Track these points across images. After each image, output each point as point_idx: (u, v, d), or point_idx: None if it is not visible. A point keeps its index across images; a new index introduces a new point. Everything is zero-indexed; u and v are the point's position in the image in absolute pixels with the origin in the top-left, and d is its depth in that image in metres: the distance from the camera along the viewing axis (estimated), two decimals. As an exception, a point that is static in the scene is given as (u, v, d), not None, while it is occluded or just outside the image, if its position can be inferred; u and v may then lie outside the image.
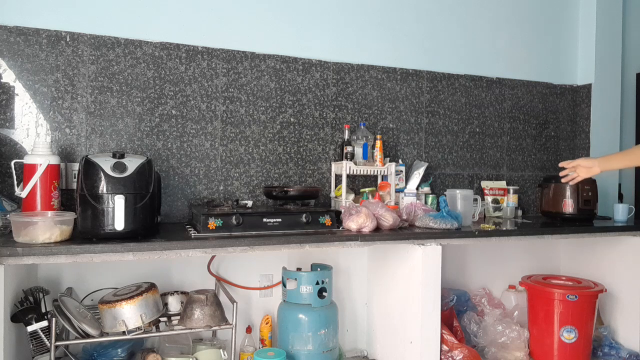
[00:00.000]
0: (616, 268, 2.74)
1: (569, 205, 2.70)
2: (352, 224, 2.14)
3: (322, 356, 2.25)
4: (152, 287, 1.97)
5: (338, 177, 2.62)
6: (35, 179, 1.90)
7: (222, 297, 2.16)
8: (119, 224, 1.75)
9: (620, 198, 3.32)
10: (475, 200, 2.66)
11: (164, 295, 2.09)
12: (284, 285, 2.31)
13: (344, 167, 2.48)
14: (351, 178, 2.67)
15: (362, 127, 2.63)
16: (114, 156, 1.82)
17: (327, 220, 2.15)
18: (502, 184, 3.02)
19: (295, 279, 2.27)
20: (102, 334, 1.85)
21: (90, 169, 1.77)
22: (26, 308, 1.80)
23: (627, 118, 3.41)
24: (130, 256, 1.74)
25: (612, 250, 2.77)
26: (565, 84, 3.27)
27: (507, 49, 3.11)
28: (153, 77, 2.35)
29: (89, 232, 1.76)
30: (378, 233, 2.14)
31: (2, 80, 2.13)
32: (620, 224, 2.72)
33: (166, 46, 2.37)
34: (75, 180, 2.17)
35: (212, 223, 1.95)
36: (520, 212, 3.00)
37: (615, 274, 2.74)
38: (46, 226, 1.69)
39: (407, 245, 2.20)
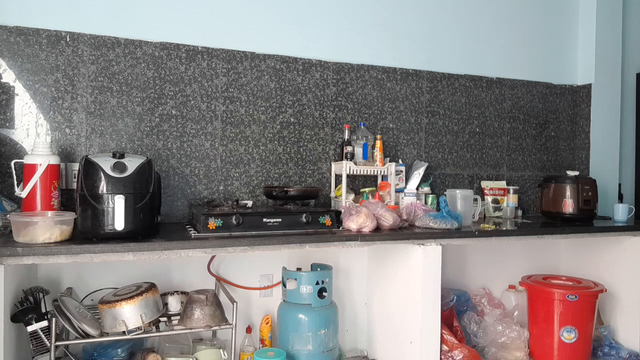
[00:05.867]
0: (616, 268, 2.74)
1: (569, 205, 2.71)
2: (352, 224, 2.14)
3: (322, 356, 2.25)
4: (152, 287, 1.97)
5: (338, 177, 2.62)
6: (35, 179, 1.90)
7: (222, 297, 2.16)
8: (119, 224, 1.74)
9: (620, 198, 3.32)
10: (475, 200, 2.66)
11: (164, 295, 2.09)
12: (284, 285, 2.31)
13: (344, 167, 2.48)
14: (351, 178, 2.67)
15: (362, 127, 2.63)
16: (114, 156, 1.82)
17: (327, 220, 2.15)
18: (502, 184, 3.02)
19: (295, 279, 2.27)
20: (102, 334, 1.85)
21: (90, 169, 1.77)
22: (26, 308, 1.80)
23: (627, 118, 3.41)
24: (130, 256, 1.74)
25: (612, 250, 2.77)
26: (565, 84, 3.27)
27: (507, 49, 3.11)
28: (153, 77, 2.35)
29: (89, 232, 1.76)
30: (378, 233, 2.14)
31: (2, 80, 2.14)
32: (620, 224, 2.72)
33: (166, 46, 2.37)
34: (75, 180, 2.17)
35: (212, 223, 1.95)
36: (520, 212, 3.00)
37: (615, 274, 2.74)
38: (46, 226, 1.69)
39: (407, 245, 2.20)
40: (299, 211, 2.13)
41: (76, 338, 1.83)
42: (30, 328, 1.76)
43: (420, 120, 2.88)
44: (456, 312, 2.61)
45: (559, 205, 2.74)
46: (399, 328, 2.32)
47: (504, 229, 2.45)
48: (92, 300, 2.15)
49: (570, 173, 2.78)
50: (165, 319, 2.04)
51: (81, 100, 2.25)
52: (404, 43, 2.85)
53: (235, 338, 2.02)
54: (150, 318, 1.88)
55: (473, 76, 3.01)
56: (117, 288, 2.06)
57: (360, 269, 2.68)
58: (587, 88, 3.23)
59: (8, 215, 1.83)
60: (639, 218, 3.02)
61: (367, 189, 2.58)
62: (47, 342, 1.78)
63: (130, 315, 1.84)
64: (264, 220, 2.04)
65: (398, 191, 2.64)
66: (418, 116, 2.87)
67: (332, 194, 2.61)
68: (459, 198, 2.50)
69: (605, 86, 3.23)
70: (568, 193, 2.71)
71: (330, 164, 2.66)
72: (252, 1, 2.53)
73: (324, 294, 2.28)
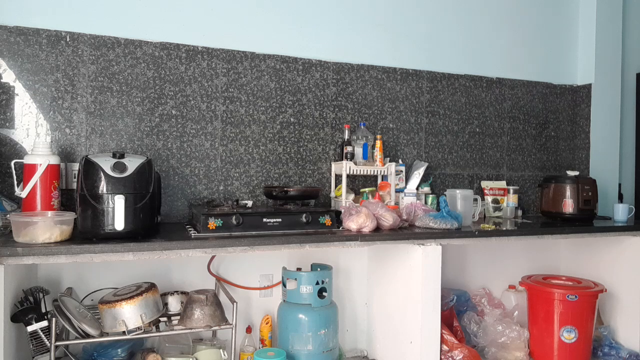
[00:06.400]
0: (616, 268, 2.74)
1: (569, 205, 2.71)
2: (352, 224, 2.14)
3: (322, 356, 2.25)
4: (152, 287, 1.97)
5: (338, 177, 2.62)
6: (35, 179, 1.90)
7: (222, 297, 2.16)
8: (119, 224, 1.74)
9: (620, 198, 3.32)
10: (475, 200, 2.66)
11: (164, 295, 2.09)
12: (284, 285, 2.31)
13: (344, 167, 2.48)
14: (351, 178, 2.67)
15: (362, 127, 2.63)
16: (114, 156, 1.82)
17: (327, 220, 2.15)
18: (502, 184, 3.02)
19: (295, 279, 2.27)
20: (102, 334, 1.85)
21: (90, 169, 1.77)
22: (26, 308, 1.80)
23: (627, 118, 3.41)
24: (130, 256, 1.74)
25: (612, 250, 2.77)
26: (565, 84, 3.27)
27: (507, 49, 3.11)
28: (153, 77, 2.35)
29: (89, 232, 1.76)
30: (378, 233, 2.14)
31: (2, 80, 2.14)
32: (620, 224, 2.72)
33: (166, 46, 2.37)
34: (75, 180, 2.17)
35: (212, 223, 1.95)
36: (520, 212, 3.00)
37: (615, 274, 2.74)
38: (46, 226, 1.69)
39: (407, 245, 2.20)
40: (299, 211, 2.13)
41: (76, 338, 1.83)
42: (30, 328, 1.76)
43: (420, 120, 2.88)
44: (456, 312, 2.61)
45: (559, 205, 2.74)
46: (399, 328, 2.32)
47: (504, 229, 2.45)
48: (92, 300, 2.15)
49: (570, 173, 2.78)
50: (165, 319, 2.04)
51: (81, 100, 2.25)
52: (404, 43, 2.85)
53: (235, 338, 2.02)
54: (150, 318, 1.88)
55: (473, 76, 3.01)
56: (117, 288, 2.06)
57: (360, 269, 2.68)
58: (587, 88, 3.23)
59: (8, 215, 1.83)
60: (639, 218, 3.02)
61: (367, 189, 2.58)
62: (47, 342, 1.78)
63: (130, 315, 1.84)
64: (264, 220, 2.04)
65: (398, 191, 2.64)
66: (418, 116, 2.87)
67: (332, 194, 2.61)
68: (459, 198, 2.50)
69: (605, 86, 3.23)
70: (568, 193, 2.71)
71: (330, 164, 2.66)
72: (252, 1, 2.53)
73: (324, 294, 2.28)
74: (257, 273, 2.49)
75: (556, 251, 3.12)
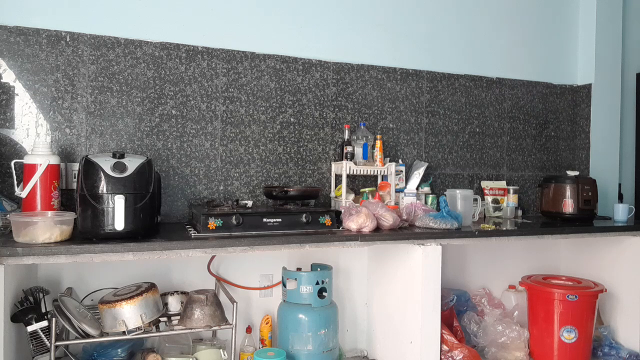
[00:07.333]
0: (616, 268, 2.74)
1: (569, 205, 2.71)
2: (352, 224, 2.14)
3: (322, 356, 2.25)
4: (152, 287, 1.97)
5: (338, 177, 2.62)
6: (35, 179, 1.90)
7: (222, 297, 2.16)
8: (119, 224, 1.74)
9: (620, 198, 3.32)
10: (475, 200, 2.66)
11: (164, 295, 2.09)
12: (284, 285, 2.31)
13: (344, 167, 2.48)
14: (351, 178, 2.67)
15: (362, 127, 2.63)
16: (114, 156, 1.83)
17: (327, 220, 2.15)
18: (502, 184, 3.02)
19: (295, 279, 2.27)
20: (102, 334, 1.85)
21: (90, 169, 1.77)
22: (26, 308, 1.80)
23: (627, 118, 3.41)
24: (130, 256, 1.74)
25: (612, 250, 2.77)
26: (565, 84, 3.27)
27: (507, 49, 3.11)
28: (153, 77, 2.35)
29: (89, 232, 1.76)
30: (378, 233, 2.14)
31: (2, 80, 2.14)
32: (620, 224, 2.72)
33: (166, 46, 2.37)
34: (75, 180, 2.17)
35: (212, 223, 1.95)
36: (520, 212, 3.00)
37: (615, 274, 2.74)
38: (46, 226, 1.69)
39: (407, 245, 2.20)
40: (299, 211, 2.13)
41: (76, 338, 1.83)
42: (30, 328, 1.76)
43: (420, 120, 2.88)
44: (456, 312, 2.61)
45: (559, 205, 2.74)
46: (399, 328, 2.32)
47: (504, 229, 2.45)
48: (92, 300, 2.15)
49: (570, 173, 2.78)
50: (165, 319, 2.04)
51: (81, 100, 2.25)
52: (404, 43, 2.85)
53: (235, 338, 2.02)
54: (150, 318, 1.88)
55: (473, 76, 3.01)
56: (117, 288, 2.06)
57: (360, 269, 2.68)
58: (587, 88, 3.23)
59: (8, 215, 1.83)
60: (639, 218, 3.02)
61: (367, 189, 2.58)
62: (47, 342, 1.78)
63: (130, 315, 1.84)
64: (264, 220, 2.04)
65: (398, 191, 2.64)
66: (418, 116, 2.87)
67: (332, 194, 2.61)
68: (459, 198, 2.50)
69: (605, 86, 3.23)
70: (568, 193, 2.71)
71: (330, 164, 2.66)
72: (252, 1, 2.53)
73: (324, 294, 2.28)
74: (257, 273, 2.49)
75: (556, 251, 3.12)
